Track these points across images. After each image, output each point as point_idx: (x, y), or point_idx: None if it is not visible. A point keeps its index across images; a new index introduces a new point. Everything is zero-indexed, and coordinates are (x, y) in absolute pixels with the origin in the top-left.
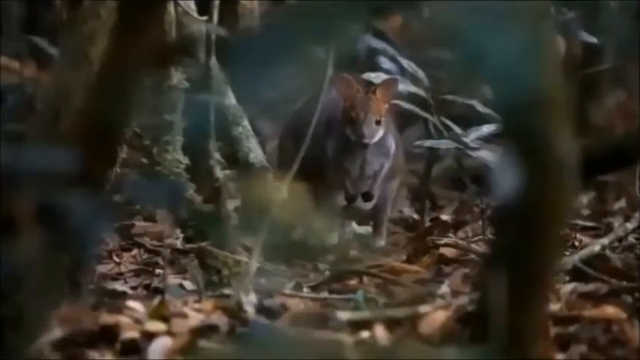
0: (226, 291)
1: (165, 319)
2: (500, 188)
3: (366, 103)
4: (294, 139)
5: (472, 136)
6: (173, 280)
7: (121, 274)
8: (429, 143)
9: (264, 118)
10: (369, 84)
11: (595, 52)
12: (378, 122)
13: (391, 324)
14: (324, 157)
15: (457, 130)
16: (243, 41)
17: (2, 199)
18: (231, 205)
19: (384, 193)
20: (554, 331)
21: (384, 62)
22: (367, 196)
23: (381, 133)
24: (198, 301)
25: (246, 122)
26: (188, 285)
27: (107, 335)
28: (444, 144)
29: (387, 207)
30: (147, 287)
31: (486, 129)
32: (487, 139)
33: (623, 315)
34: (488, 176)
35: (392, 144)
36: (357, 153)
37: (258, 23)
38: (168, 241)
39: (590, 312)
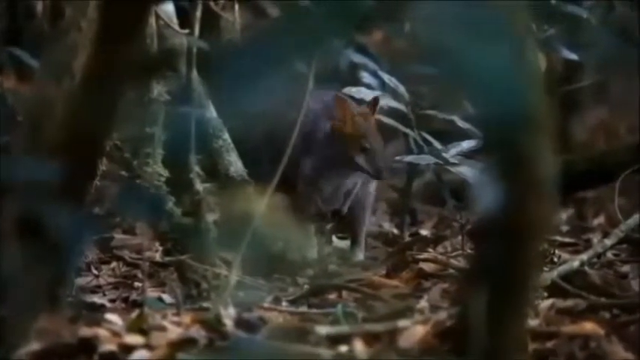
0: (205, 304)
1: (143, 332)
2: (480, 203)
3: (374, 131)
4: (265, 152)
5: (452, 152)
6: (152, 293)
7: (99, 286)
8: (409, 158)
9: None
10: (353, 99)
11: (576, 68)
12: None
13: (370, 338)
14: (297, 173)
15: (437, 145)
16: (224, 54)
17: None
18: (211, 218)
19: (362, 205)
20: (532, 346)
21: (366, 77)
22: (336, 215)
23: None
24: (177, 314)
25: (226, 135)
26: (167, 298)
27: (85, 348)
28: (424, 159)
29: (364, 219)
30: (125, 300)
31: (466, 144)
32: (467, 155)
33: (601, 331)
34: (467, 191)
35: None
36: (335, 174)
37: (240, 36)
38: (148, 253)
39: (568, 328)
